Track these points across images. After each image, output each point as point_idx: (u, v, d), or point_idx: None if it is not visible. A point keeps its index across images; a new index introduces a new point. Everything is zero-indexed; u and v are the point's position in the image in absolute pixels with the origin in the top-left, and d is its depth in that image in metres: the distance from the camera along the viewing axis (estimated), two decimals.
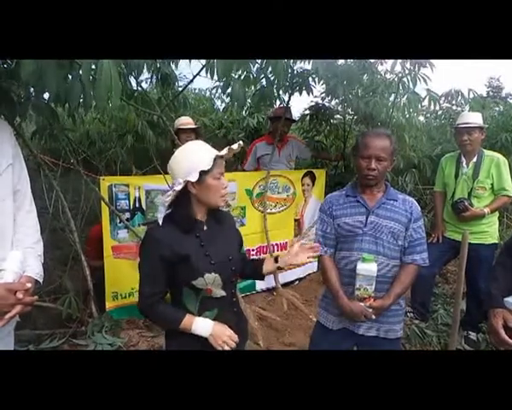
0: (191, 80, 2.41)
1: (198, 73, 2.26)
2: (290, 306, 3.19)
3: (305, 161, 3.99)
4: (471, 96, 3.69)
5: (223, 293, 1.33)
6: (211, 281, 1.28)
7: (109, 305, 2.67)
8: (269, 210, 3.46)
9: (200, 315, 1.32)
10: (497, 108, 5.06)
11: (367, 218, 1.63)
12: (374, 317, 1.58)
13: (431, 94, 2.87)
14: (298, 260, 1.43)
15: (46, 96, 1.90)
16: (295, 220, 3.72)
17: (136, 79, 2.47)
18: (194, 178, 1.19)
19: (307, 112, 3.98)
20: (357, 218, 1.65)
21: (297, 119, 4.18)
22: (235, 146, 1.29)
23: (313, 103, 3.90)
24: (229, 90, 2.09)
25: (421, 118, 5.22)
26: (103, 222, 2.56)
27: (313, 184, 3.74)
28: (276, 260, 1.47)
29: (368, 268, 1.52)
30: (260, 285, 3.47)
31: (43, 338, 2.36)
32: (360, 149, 1.62)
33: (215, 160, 1.23)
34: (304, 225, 3.75)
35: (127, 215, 2.66)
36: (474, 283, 2.78)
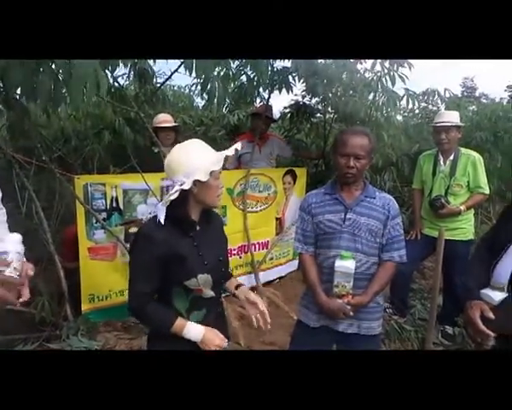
0: (169, 77, 2.37)
1: (176, 70, 2.22)
2: (271, 304, 3.18)
3: (285, 159, 3.99)
4: (447, 95, 3.78)
5: (212, 293, 1.33)
6: (203, 282, 1.27)
7: (85, 307, 2.59)
8: (250, 209, 3.44)
9: (188, 315, 1.31)
10: (472, 108, 5.20)
11: (345, 215, 1.63)
12: (352, 314, 1.58)
13: (409, 93, 2.91)
14: (247, 308, 1.43)
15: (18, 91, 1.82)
16: (276, 219, 3.71)
17: (112, 74, 2.40)
18: (204, 177, 1.19)
19: (288, 110, 3.98)
20: (335, 215, 1.65)
21: (277, 117, 4.17)
22: (238, 146, 1.31)
23: (294, 102, 3.90)
24: (208, 87, 2.04)
25: (399, 117, 5.31)
26: (78, 222, 2.48)
27: (294, 183, 3.73)
28: (237, 286, 1.46)
29: (346, 265, 1.53)
30: None
31: (16, 343, 2.27)
32: (339, 147, 1.62)
33: None
34: (285, 224, 3.75)
35: (104, 215, 2.58)
36: (450, 278, 2.84)
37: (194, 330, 1.26)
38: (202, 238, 1.32)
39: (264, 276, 3.60)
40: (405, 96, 2.95)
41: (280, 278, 3.77)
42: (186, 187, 1.19)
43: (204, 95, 2.02)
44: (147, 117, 3.52)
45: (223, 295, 1.47)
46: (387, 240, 1.65)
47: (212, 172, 1.21)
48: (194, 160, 1.21)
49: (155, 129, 3.08)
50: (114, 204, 2.60)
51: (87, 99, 1.47)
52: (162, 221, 1.22)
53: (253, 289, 3.43)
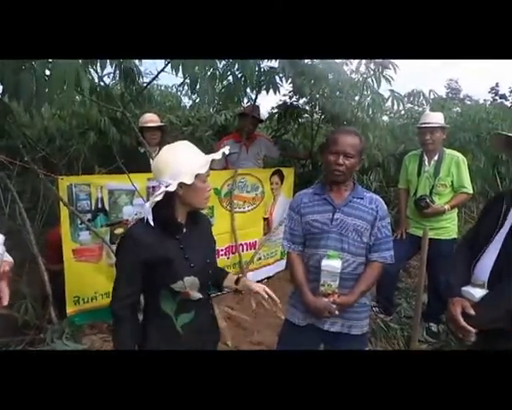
0: (155, 76, 2.34)
1: (162, 70, 2.20)
2: (259, 304, 3.19)
3: (273, 159, 4.00)
4: (432, 96, 3.84)
5: (199, 296, 1.33)
6: (189, 284, 1.28)
7: (70, 310, 2.55)
8: (237, 209, 3.43)
9: (177, 317, 1.32)
10: (456, 109, 5.29)
11: (333, 215, 1.64)
12: (337, 313, 1.59)
13: (394, 94, 2.94)
14: (253, 290, 1.43)
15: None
16: (264, 219, 3.71)
17: (98, 73, 2.37)
18: (189, 180, 1.19)
19: (276, 111, 3.98)
20: (323, 215, 1.66)
21: (265, 118, 4.18)
22: (226, 150, 1.31)
23: (281, 102, 3.91)
24: (197, 87, 2.03)
25: (385, 117, 5.38)
26: (62, 224, 2.44)
27: (282, 183, 3.74)
28: (237, 280, 1.47)
29: (332, 265, 1.54)
30: None
31: None
32: (329, 145, 1.64)
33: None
34: (273, 224, 3.75)
35: (89, 216, 2.54)
36: (435, 276, 2.89)
37: None
38: (189, 241, 1.32)
39: (253, 276, 3.58)
40: (390, 98, 2.98)
41: (268, 278, 3.77)
42: (171, 189, 1.19)
43: (192, 95, 2.00)
44: (133, 117, 3.50)
45: (213, 295, 1.47)
46: (375, 240, 1.65)
47: (198, 175, 1.21)
48: (180, 162, 1.21)
49: (141, 129, 3.05)
50: (100, 205, 2.57)
51: (68, 99, 1.44)
52: (151, 222, 1.22)
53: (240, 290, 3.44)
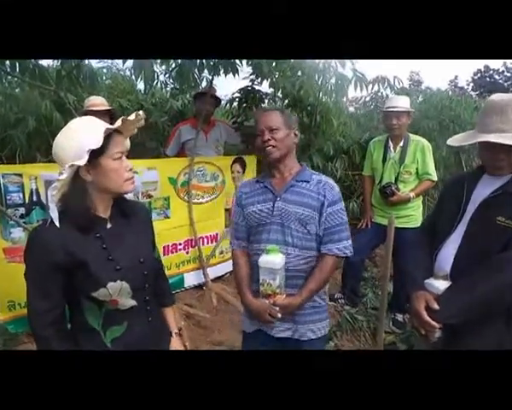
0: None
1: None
2: (220, 300, 3.01)
3: (234, 146, 3.80)
4: (396, 83, 3.76)
5: (132, 303, 1.12)
6: (116, 291, 1.05)
7: (4, 316, 2.28)
8: (196, 200, 3.22)
9: (105, 332, 1.10)
10: (419, 96, 5.30)
11: (274, 204, 1.46)
12: (280, 316, 1.39)
13: (357, 75, 2.81)
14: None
15: None
16: (226, 210, 3.51)
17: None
18: (83, 161, 0.96)
19: (236, 95, 3.77)
20: (264, 205, 1.48)
21: (225, 102, 3.97)
22: (131, 117, 1.06)
23: (243, 87, 3.71)
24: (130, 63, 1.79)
25: (350, 106, 5.31)
26: None
27: (244, 171, 3.55)
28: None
29: (270, 260, 1.34)
30: (189, 281, 3.24)
31: None
32: (255, 130, 1.50)
33: (110, 136, 1.02)
34: None
35: (22, 211, 2.25)
36: (400, 266, 2.81)
37: None
38: (115, 238, 1.10)
39: (215, 271, 3.41)
40: (353, 79, 2.83)
41: (231, 272, 3.59)
42: (62, 177, 0.98)
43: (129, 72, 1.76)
44: (80, 101, 3.18)
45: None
46: (325, 230, 1.44)
47: (96, 153, 0.99)
48: (70, 142, 1.00)
49: (87, 113, 2.76)
50: (35, 198, 2.28)
51: None
52: (57, 223, 0.99)
53: (201, 285, 3.25)
